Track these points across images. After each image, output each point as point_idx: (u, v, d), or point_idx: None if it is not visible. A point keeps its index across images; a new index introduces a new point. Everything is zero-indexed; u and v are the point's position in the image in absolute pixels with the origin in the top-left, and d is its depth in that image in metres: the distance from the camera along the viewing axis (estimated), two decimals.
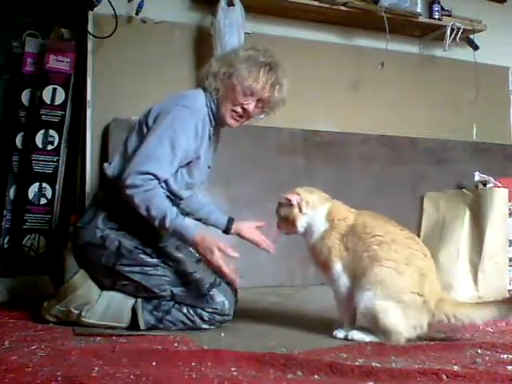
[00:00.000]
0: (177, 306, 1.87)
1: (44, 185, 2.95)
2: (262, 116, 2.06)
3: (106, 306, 1.88)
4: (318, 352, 1.51)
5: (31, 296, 2.34)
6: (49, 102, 2.99)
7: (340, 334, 1.73)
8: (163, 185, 1.87)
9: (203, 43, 3.14)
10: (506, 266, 2.56)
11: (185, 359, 1.38)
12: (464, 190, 2.66)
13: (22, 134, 3.02)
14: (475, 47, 3.70)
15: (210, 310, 1.88)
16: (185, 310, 1.87)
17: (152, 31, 3.11)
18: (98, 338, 1.69)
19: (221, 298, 1.90)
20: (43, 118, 2.98)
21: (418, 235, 2.63)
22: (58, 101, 3.00)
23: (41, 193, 2.94)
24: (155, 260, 1.89)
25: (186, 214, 2.07)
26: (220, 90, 1.96)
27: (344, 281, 1.71)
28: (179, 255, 1.95)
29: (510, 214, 2.60)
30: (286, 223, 1.82)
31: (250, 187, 3.01)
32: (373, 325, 1.65)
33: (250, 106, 1.96)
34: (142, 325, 1.84)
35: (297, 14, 3.37)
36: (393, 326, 1.62)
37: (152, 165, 1.81)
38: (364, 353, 1.49)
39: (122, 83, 3.01)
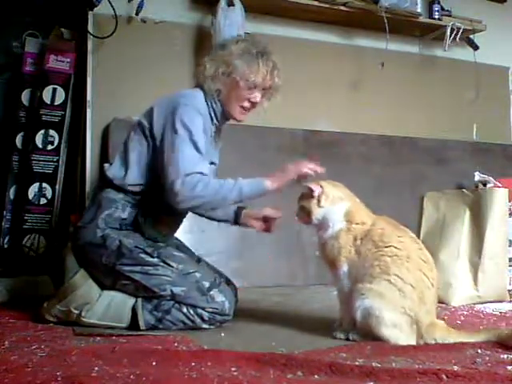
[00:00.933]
0: (177, 305, 1.87)
1: (44, 185, 2.95)
2: (266, 104, 2.05)
3: (106, 305, 1.88)
4: (318, 352, 1.51)
5: (31, 296, 2.34)
6: (49, 102, 2.99)
7: (340, 334, 1.73)
8: None
9: (203, 43, 3.14)
10: (506, 265, 2.56)
11: (185, 359, 1.37)
12: (464, 190, 2.65)
13: (21, 134, 3.02)
14: (475, 47, 3.70)
15: (210, 309, 1.88)
16: (185, 310, 1.87)
17: (152, 31, 3.11)
18: (98, 338, 1.69)
19: (221, 298, 1.89)
20: (43, 118, 2.98)
21: (418, 235, 2.63)
22: (58, 101, 3.01)
23: (41, 193, 2.94)
24: (155, 259, 1.88)
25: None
26: (222, 90, 1.96)
27: (348, 282, 1.70)
28: (180, 255, 1.95)
29: (510, 214, 2.60)
30: (303, 213, 1.79)
31: None
32: (369, 333, 1.64)
33: (257, 97, 1.98)
34: (141, 325, 1.84)
35: (297, 14, 3.37)
36: (389, 338, 1.61)
37: (191, 165, 1.81)
38: (364, 353, 1.49)
39: (122, 83, 3.02)
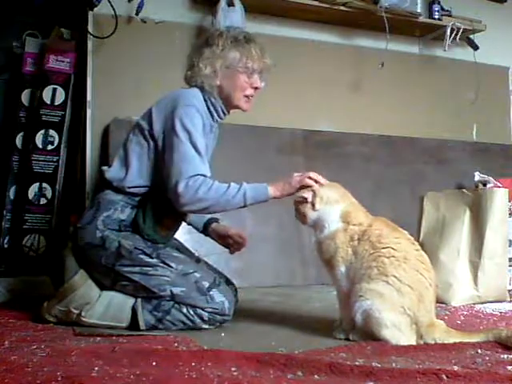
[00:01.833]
0: (177, 305, 1.87)
1: (44, 185, 2.95)
2: (263, 85, 2.04)
3: (106, 305, 1.88)
4: (318, 352, 1.51)
5: (31, 296, 2.34)
6: (49, 102, 2.99)
7: (340, 334, 1.73)
8: None
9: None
10: (506, 265, 2.56)
11: (185, 359, 1.37)
12: (464, 190, 2.65)
13: (21, 134, 3.02)
14: (475, 47, 3.70)
15: (209, 309, 1.87)
16: (185, 310, 1.87)
17: (152, 31, 3.11)
18: (98, 338, 1.69)
19: (221, 298, 1.89)
20: (43, 118, 2.98)
21: (418, 235, 2.63)
22: (58, 101, 3.00)
23: (41, 193, 2.94)
24: (155, 260, 1.88)
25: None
26: (223, 84, 1.97)
27: (347, 282, 1.70)
28: (179, 255, 1.95)
29: (510, 214, 2.60)
30: (300, 215, 1.81)
31: None
32: (369, 334, 1.64)
33: (258, 82, 2.00)
34: (141, 325, 1.84)
35: (297, 14, 3.38)
36: (389, 339, 1.60)
37: (193, 167, 1.82)
38: (364, 353, 1.49)
39: (122, 83, 3.02)
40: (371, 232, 1.69)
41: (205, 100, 1.97)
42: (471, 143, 3.77)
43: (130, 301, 1.88)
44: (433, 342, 1.60)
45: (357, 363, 1.36)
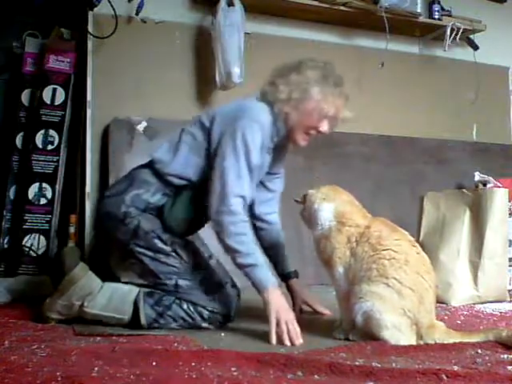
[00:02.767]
0: (177, 301, 1.87)
1: (44, 185, 2.95)
2: (326, 129, 1.97)
3: (108, 298, 1.88)
4: (318, 352, 1.51)
5: (31, 296, 2.34)
6: (49, 102, 2.99)
7: (340, 334, 1.73)
8: None
9: (203, 43, 3.14)
10: (506, 265, 2.56)
11: (185, 359, 1.37)
12: (464, 190, 2.65)
13: (21, 134, 3.02)
14: (475, 47, 3.70)
15: (210, 308, 1.88)
16: (185, 307, 1.87)
17: (152, 31, 3.11)
18: (98, 338, 1.69)
19: (223, 299, 1.90)
20: (43, 118, 2.98)
21: (418, 235, 2.63)
22: (58, 101, 3.00)
23: (41, 193, 2.94)
24: (169, 248, 1.89)
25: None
26: (291, 114, 1.89)
27: (345, 283, 1.70)
28: (193, 249, 1.96)
29: (510, 214, 2.60)
30: (303, 218, 1.86)
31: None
32: (370, 335, 1.64)
33: (326, 127, 1.93)
34: (142, 318, 1.84)
35: (297, 14, 3.37)
36: (390, 340, 1.60)
37: (240, 186, 1.81)
38: (364, 353, 1.49)
39: (122, 83, 3.02)
40: (370, 234, 1.68)
41: (271, 118, 1.90)
42: (471, 143, 3.76)
43: (133, 293, 1.89)
44: (433, 343, 1.60)
45: (357, 363, 1.36)
